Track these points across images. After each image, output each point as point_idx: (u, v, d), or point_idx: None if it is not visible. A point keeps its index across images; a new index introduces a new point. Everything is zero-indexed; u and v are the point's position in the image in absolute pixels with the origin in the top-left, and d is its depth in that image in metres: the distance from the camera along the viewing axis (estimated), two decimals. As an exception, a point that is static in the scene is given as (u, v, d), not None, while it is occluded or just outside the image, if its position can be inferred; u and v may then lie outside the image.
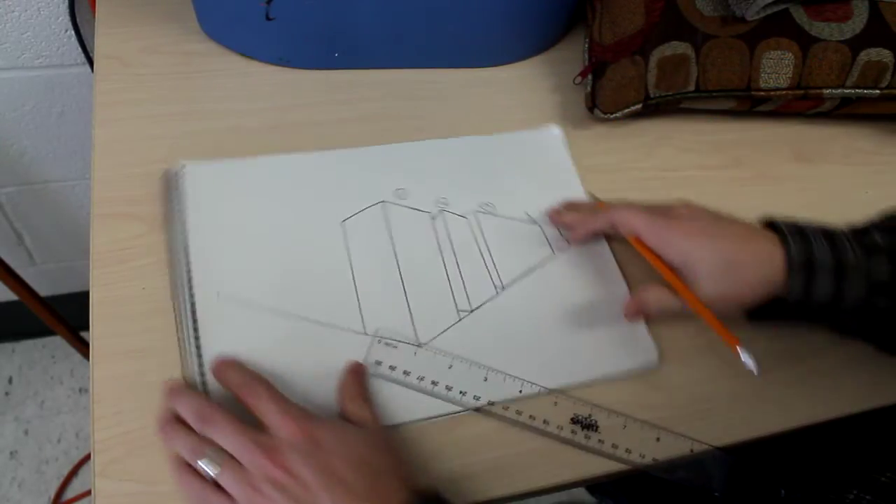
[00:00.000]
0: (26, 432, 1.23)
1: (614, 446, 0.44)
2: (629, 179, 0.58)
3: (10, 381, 1.28)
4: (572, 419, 0.44)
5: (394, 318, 0.47)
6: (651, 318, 0.49)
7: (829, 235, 0.45)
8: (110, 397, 0.43)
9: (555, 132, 0.60)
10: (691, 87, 0.57)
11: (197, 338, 0.44)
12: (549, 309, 0.49)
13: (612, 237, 0.53)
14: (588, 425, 0.44)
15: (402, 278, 0.49)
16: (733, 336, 0.45)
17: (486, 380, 0.45)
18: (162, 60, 0.60)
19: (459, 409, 0.44)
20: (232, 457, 0.38)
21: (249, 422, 0.39)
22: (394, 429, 0.43)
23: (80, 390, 1.28)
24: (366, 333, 0.46)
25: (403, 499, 0.37)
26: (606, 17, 0.60)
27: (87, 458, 1.20)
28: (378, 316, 0.47)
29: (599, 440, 0.44)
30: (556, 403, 0.45)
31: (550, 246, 0.53)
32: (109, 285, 0.47)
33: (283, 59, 0.61)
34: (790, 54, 0.56)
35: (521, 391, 0.45)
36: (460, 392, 0.45)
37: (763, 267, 0.44)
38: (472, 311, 0.49)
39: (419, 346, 0.46)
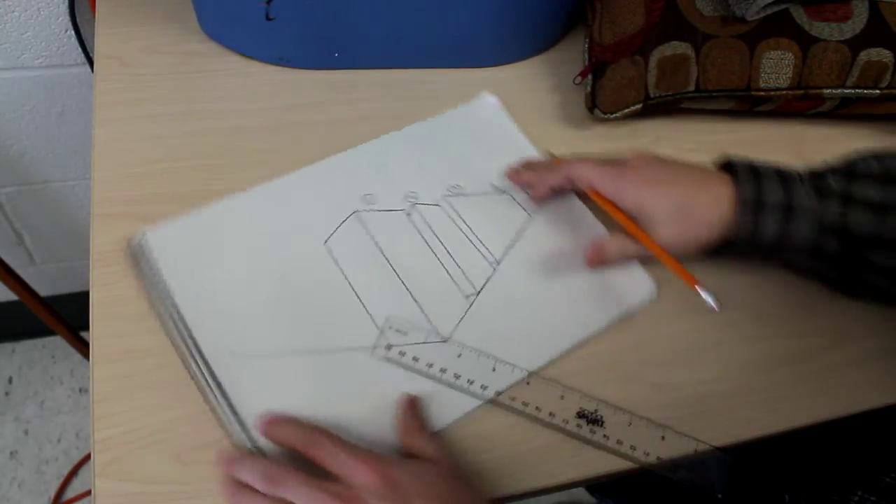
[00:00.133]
0: (26, 432, 1.23)
1: (619, 442, 0.44)
2: (629, 179, 0.58)
3: (10, 381, 1.28)
4: (578, 413, 0.45)
5: (416, 349, 0.47)
6: (612, 264, 0.51)
7: (783, 177, 0.47)
8: (110, 397, 0.43)
9: (490, 100, 0.60)
10: (691, 87, 0.57)
11: (229, 403, 0.42)
12: (547, 268, 0.51)
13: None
14: (594, 420, 0.45)
15: (402, 280, 0.49)
16: (692, 276, 0.47)
17: (494, 370, 0.46)
18: (162, 60, 0.60)
19: (470, 405, 0.45)
20: None
21: (316, 474, 0.38)
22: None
23: (80, 390, 1.28)
24: (392, 346, 0.46)
25: None
26: (606, 17, 0.60)
27: (87, 458, 1.20)
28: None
29: (604, 435, 0.44)
30: (562, 397, 0.45)
31: (525, 210, 0.54)
32: (109, 285, 0.47)
33: (283, 59, 0.61)
34: (790, 54, 0.56)
35: (528, 382, 0.46)
36: (468, 381, 0.45)
37: (716, 208, 0.47)
38: (477, 292, 0.49)
39: (433, 335, 0.47)
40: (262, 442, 0.41)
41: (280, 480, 0.37)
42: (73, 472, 1.20)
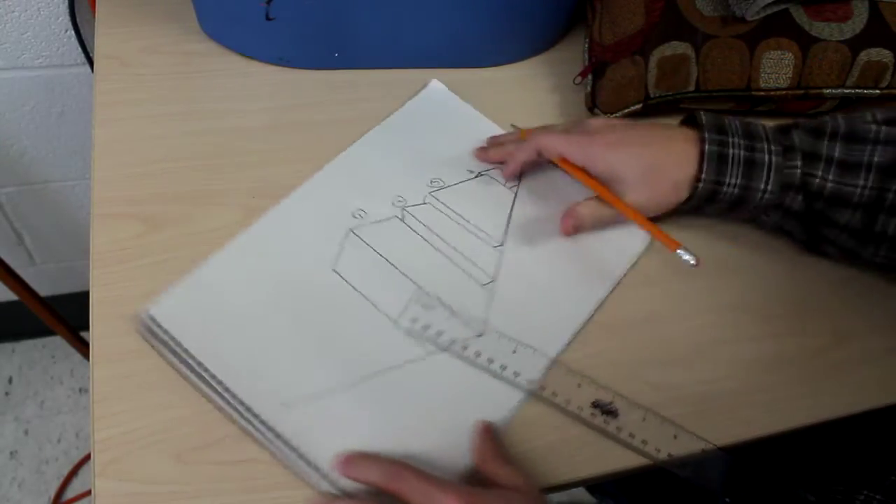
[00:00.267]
0: (26, 432, 1.23)
1: (631, 435, 0.44)
2: (629, 179, 0.58)
3: (10, 381, 1.29)
4: (594, 403, 0.45)
5: (440, 324, 0.47)
6: (587, 230, 0.52)
7: (748, 133, 0.48)
8: (110, 397, 0.43)
9: (437, 87, 0.61)
10: (691, 87, 0.57)
11: (298, 452, 0.41)
12: (547, 238, 0.52)
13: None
14: (608, 411, 0.45)
15: (417, 285, 0.49)
16: (670, 237, 0.48)
17: (514, 352, 0.46)
18: (162, 60, 0.60)
19: (510, 403, 0.45)
20: None
21: None
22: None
23: (80, 390, 1.28)
24: (429, 353, 0.46)
25: None
26: (606, 17, 0.60)
27: (87, 458, 1.20)
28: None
29: (618, 427, 0.44)
30: (579, 385, 0.46)
31: (506, 186, 0.55)
32: (109, 285, 0.47)
33: (283, 59, 0.61)
34: (790, 54, 0.56)
35: (547, 367, 0.46)
36: (488, 360, 0.46)
37: (685, 167, 0.47)
38: (493, 279, 0.50)
39: (459, 317, 0.48)
40: (344, 482, 0.41)
41: (399, 476, 0.38)
42: (73, 472, 1.20)
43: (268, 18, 0.57)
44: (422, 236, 0.52)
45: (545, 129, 0.52)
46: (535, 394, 0.45)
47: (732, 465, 0.45)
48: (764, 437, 0.46)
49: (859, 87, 0.57)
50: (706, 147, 0.47)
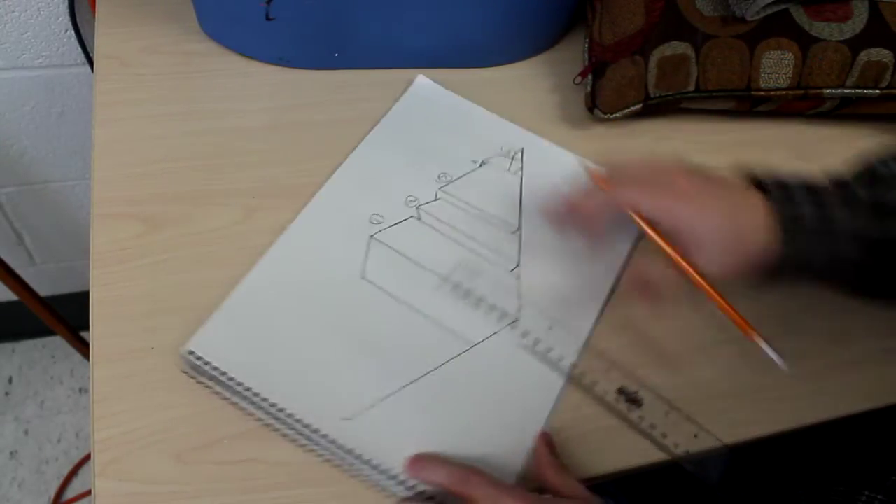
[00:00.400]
0: (26, 432, 1.23)
1: (652, 427, 0.45)
2: (629, 179, 0.58)
3: (10, 381, 1.28)
4: (619, 389, 0.46)
5: (481, 317, 0.48)
6: (652, 296, 0.46)
7: (813, 191, 0.44)
8: (110, 397, 0.43)
9: (424, 82, 0.61)
10: (691, 87, 0.57)
11: (370, 464, 0.42)
12: (560, 217, 0.52)
13: None
14: (633, 400, 0.46)
15: (450, 282, 0.49)
16: (751, 326, 0.43)
17: (550, 328, 0.48)
18: (162, 60, 0.60)
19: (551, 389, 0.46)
20: None
21: None
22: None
23: (80, 390, 1.28)
24: (474, 344, 0.47)
25: None
26: (606, 17, 0.60)
27: (87, 458, 1.20)
28: (468, 322, 0.48)
29: (640, 416, 0.45)
30: (608, 370, 0.47)
31: (509, 170, 0.56)
32: (109, 285, 0.47)
33: (283, 59, 0.61)
34: (790, 54, 0.56)
35: (582, 343, 0.48)
36: (523, 333, 0.47)
37: (760, 233, 0.43)
38: (518, 264, 0.51)
39: (501, 280, 0.50)
40: (423, 487, 0.41)
41: (467, 480, 0.39)
42: (73, 472, 1.20)
43: (268, 18, 0.57)
44: (441, 232, 0.52)
45: (623, 176, 0.46)
46: (564, 371, 0.46)
47: (731, 464, 0.45)
48: (764, 437, 0.46)
49: (859, 87, 0.57)
50: (778, 209, 0.43)
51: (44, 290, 1.08)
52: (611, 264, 0.52)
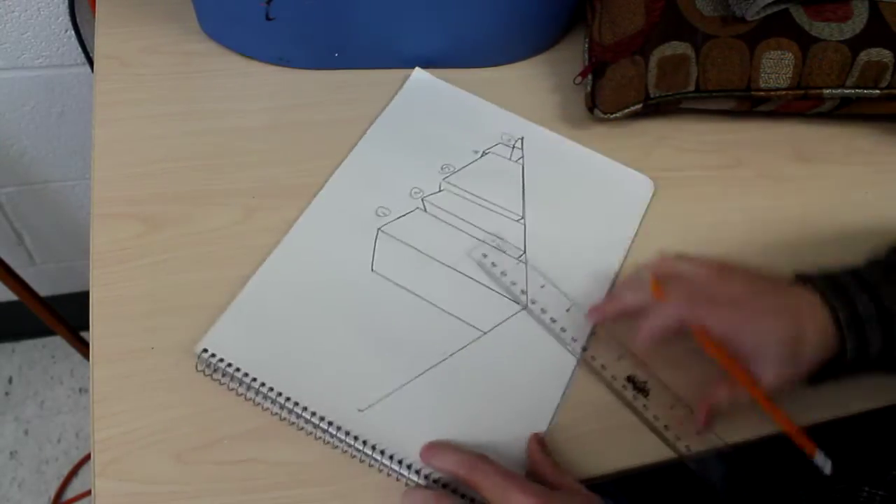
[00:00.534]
0: (26, 432, 1.23)
1: (656, 417, 0.45)
2: (629, 179, 0.58)
3: (10, 381, 1.28)
4: (628, 377, 0.46)
5: (489, 305, 0.49)
6: (720, 416, 0.46)
7: (862, 282, 0.44)
8: (110, 397, 0.43)
9: (421, 75, 0.62)
10: (691, 87, 0.57)
11: (387, 454, 0.42)
12: (564, 201, 0.55)
13: None
14: (640, 388, 0.46)
15: (457, 270, 0.50)
16: (812, 442, 0.44)
17: (567, 311, 0.49)
18: (162, 60, 0.60)
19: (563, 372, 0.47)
20: None
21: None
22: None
23: (80, 390, 1.28)
24: (484, 332, 0.48)
25: None
26: (606, 17, 0.60)
27: (87, 458, 1.20)
28: (479, 313, 0.48)
29: (644, 405, 0.46)
30: (619, 357, 0.47)
31: (510, 159, 0.57)
32: (109, 285, 0.47)
33: (283, 59, 0.61)
34: (790, 54, 0.56)
35: (593, 333, 0.48)
36: (542, 310, 0.48)
37: (818, 335, 0.43)
38: (524, 251, 0.51)
39: (521, 259, 0.51)
40: (437, 475, 0.42)
41: (476, 468, 0.39)
42: (73, 472, 1.20)
43: (268, 18, 0.57)
44: (446, 222, 0.53)
45: (681, 294, 0.45)
46: (577, 354, 0.47)
47: (733, 463, 0.45)
48: (764, 437, 0.46)
49: (859, 87, 0.57)
50: (835, 307, 0.43)
51: (44, 290, 1.08)
52: (616, 251, 0.53)
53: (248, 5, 0.56)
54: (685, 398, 0.47)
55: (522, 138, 0.58)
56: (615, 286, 0.51)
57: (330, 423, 0.43)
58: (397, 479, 0.42)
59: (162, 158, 0.54)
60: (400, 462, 0.42)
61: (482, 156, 0.57)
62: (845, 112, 0.60)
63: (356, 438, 0.42)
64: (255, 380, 0.44)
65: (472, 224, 0.53)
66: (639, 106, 0.58)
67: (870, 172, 0.61)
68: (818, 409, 0.48)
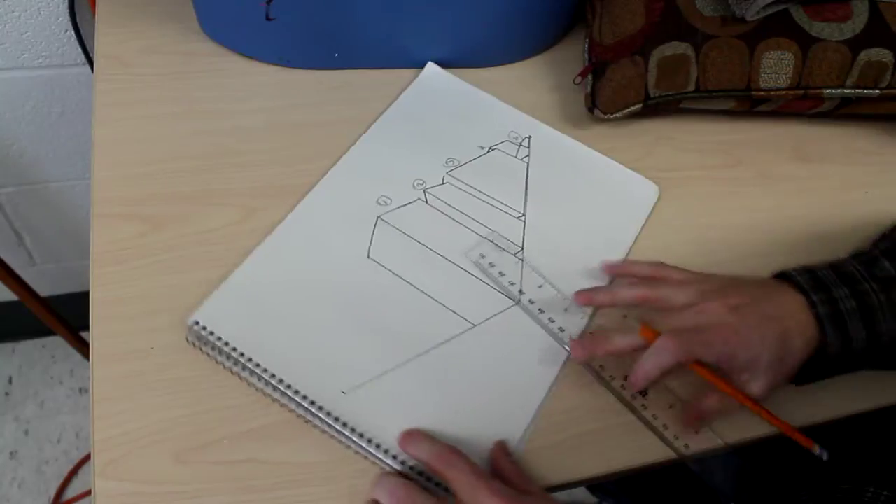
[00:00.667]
0: (26, 432, 1.23)
1: (654, 417, 0.45)
2: (629, 179, 0.58)
3: (10, 381, 1.28)
4: (627, 377, 0.45)
5: (482, 298, 0.49)
6: (710, 422, 0.46)
7: (843, 276, 0.44)
8: (110, 397, 0.43)
9: (434, 69, 0.62)
10: (691, 87, 0.57)
11: (366, 437, 0.42)
12: (564, 198, 0.55)
13: None
14: None
15: (452, 262, 0.50)
16: (807, 438, 0.44)
17: (566, 310, 0.49)
18: (162, 60, 0.60)
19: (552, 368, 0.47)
20: None
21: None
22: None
23: (80, 390, 1.28)
24: (474, 325, 0.48)
25: None
26: (606, 17, 0.60)
27: (87, 458, 1.20)
28: (471, 306, 0.49)
29: (643, 405, 0.46)
30: (618, 357, 0.47)
31: (516, 157, 0.57)
32: (109, 285, 0.47)
33: (283, 59, 0.61)
34: (790, 54, 0.56)
35: (590, 333, 0.48)
36: (539, 310, 0.48)
37: (801, 333, 0.43)
38: (522, 248, 0.52)
39: (521, 257, 0.51)
40: (413, 462, 0.42)
41: (450, 462, 0.39)
42: (73, 472, 1.20)
43: (268, 18, 0.57)
44: (447, 215, 0.53)
45: (674, 331, 0.44)
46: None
47: (734, 464, 0.45)
48: (765, 437, 0.46)
49: (859, 88, 0.57)
50: (814, 302, 0.43)
51: (44, 290, 1.08)
52: (616, 253, 0.53)
53: (248, 5, 0.56)
54: (684, 398, 0.47)
55: (530, 137, 0.59)
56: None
57: (312, 403, 0.43)
58: (373, 463, 0.42)
59: (162, 158, 0.54)
60: (378, 446, 0.42)
61: (488, 151, 0.57)
62: (845, 112, 0.60)
63: (336, 420, 0.43)
64: (242, 354, 0.44)
65: (472, 218, 0.53)
66: (639, 106, 0.58)
67: (870, 172, 0.61)
68: (819, 409, 0.48)
